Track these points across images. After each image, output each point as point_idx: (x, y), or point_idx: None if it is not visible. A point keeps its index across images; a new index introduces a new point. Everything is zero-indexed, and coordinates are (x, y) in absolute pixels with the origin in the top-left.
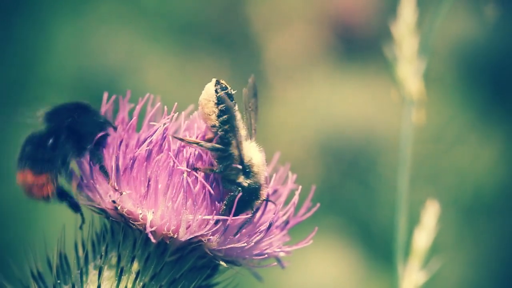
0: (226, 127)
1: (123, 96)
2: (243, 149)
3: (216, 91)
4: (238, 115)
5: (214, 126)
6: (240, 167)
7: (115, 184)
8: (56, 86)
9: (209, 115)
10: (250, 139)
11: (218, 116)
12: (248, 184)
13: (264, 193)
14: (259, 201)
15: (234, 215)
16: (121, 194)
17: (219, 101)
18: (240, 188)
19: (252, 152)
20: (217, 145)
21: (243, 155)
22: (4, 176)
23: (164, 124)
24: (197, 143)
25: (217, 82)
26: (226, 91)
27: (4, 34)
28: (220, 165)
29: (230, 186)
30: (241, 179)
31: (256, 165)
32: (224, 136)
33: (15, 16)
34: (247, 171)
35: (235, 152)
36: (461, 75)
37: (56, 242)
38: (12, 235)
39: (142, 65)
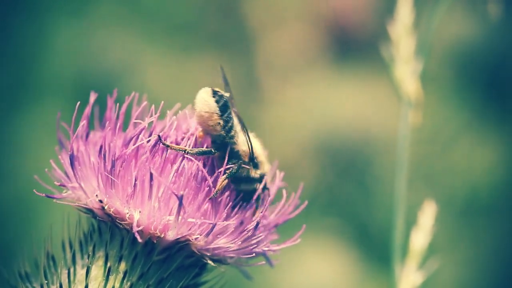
0: (231, 133)
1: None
2: (252, 146)
3: (217, 101)
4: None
5: (220, 135)
6: (249, 163)
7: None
8: (56, 87)
9: (214, 126)
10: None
11: (224, 126)
12: (260, 174)
13: (267, 179)
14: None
15: (246, 203)
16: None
17: (223, 111)
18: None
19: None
20: (202, 149)
21: (254, 151)
22: (3, 176)
23: (150, 123)
24: (184, 150)
25: (214, 93)
26: (223, 98)
27: (3, 34)
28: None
29: (245, 184)
30: (253, 172)
31: (260, 154)
32: (230, 140)
33: (14, 16)
34: (255, 162)
35: (243, 149)
36: (457, 76)
37: (44, 242)
38: (4, 236)
39: (141, 65)
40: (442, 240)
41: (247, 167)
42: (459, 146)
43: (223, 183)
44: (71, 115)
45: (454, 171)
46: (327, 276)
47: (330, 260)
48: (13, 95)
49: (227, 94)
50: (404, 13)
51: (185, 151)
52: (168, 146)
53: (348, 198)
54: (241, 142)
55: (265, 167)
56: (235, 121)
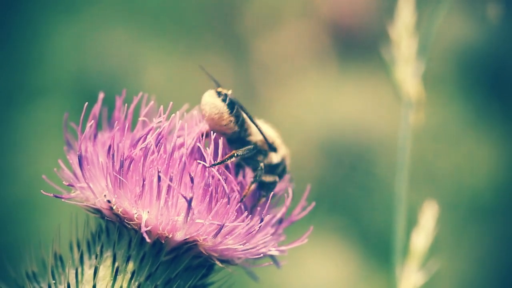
0: (245, 126)
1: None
2: (264, 132)
3: (223, 100)
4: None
5: (235, 132)
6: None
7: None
8: (55, 87)
9: (228, 125)
10: None
11: (236, 122)
12: (281, 158)
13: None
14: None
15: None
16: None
17: (231, 108)
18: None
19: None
20: (248, 147)
21: (267, 136)
22: (3, 177)
23: (158, 122)
24: (233, 155)
25: (218, 93)
26: (227, 96)
27: (1, 34)
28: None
29: (270, 173)
30: (274, 157)
31: (275, 138)
32: (245, 133)
33: (12, 16)
34: (273, 147)
35: (259, 139)
36: (459, 76)
37: (51, 242)
38: (11, 237)
39: (141, 66)
40: (444, 240)
41: (262, 157)
42: (462, 147)
43: (251, 188)
44: (71, 115)
45: (458, 171)
46: (328, 276)
47: (331, 260)
48: (12, 96)
49: (229, 92)
50: (405, 14)
51: (235, 155)
52: (219, 163)
53: (350, 198)
54: (255, 133)
55: (283, 150)
56: (245, 115)
